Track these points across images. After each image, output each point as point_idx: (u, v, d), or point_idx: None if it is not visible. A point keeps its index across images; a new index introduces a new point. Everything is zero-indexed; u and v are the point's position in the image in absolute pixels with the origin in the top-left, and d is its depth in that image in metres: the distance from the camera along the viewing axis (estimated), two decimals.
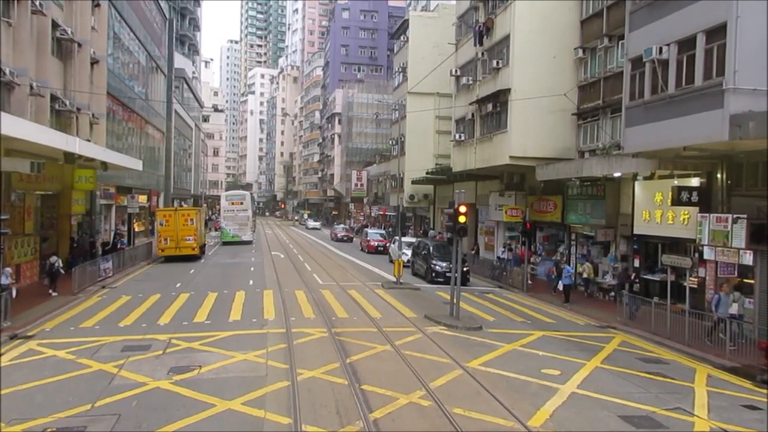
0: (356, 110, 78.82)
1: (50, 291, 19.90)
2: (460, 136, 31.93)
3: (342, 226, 62.75)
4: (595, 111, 24.61)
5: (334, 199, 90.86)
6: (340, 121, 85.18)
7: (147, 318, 16.62)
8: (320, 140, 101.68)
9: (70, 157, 20.57)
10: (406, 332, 15.44)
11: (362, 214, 71.31)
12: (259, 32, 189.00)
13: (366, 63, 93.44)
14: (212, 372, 11.57)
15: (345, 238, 52.66)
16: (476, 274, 29.28)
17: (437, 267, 26.10)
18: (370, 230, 44.23)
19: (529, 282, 25.24)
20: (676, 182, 19.20)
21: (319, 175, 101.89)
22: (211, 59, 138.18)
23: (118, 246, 28.67)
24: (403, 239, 26.85)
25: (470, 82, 30.64)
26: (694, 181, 18.64)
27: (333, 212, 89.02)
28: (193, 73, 75.35)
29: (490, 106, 27.52)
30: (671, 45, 15.77)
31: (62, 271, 21.19)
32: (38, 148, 18.13)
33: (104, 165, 25.44)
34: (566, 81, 25.90)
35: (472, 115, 30.18)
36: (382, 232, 43.73)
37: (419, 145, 46.82)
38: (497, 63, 27.11)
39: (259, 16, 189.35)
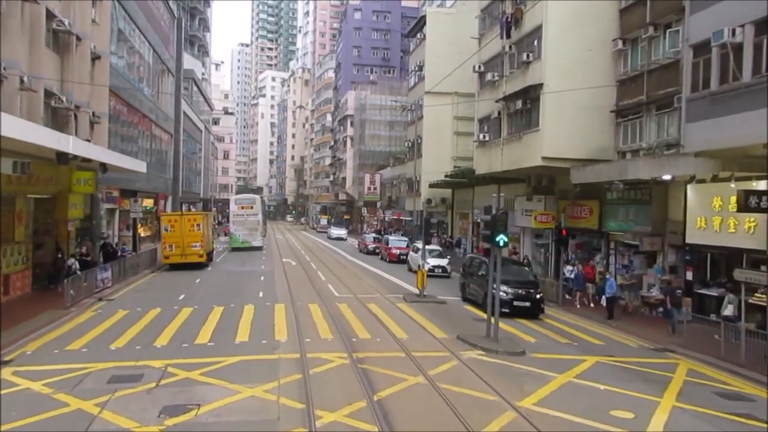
0: (369, 112, 76.92)
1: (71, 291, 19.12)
2: (484, 137, 29.79)
3: (373, 234, 50.97)
4: (638, 107, 22.42)
5: (346, 203, 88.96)
6: (352, 124, 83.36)
7: (143, 338, 14.67)
8: (332, 143, 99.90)
9: (63, 158, 18.66)
10: (438, 358, 13.35)
11: (376, 218, 69.24)
12: (269, 35, 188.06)
13: (378, 64, 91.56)
14: (212, 414, 9.56)
15: (378, 250, 42.15)
16: None
17: (501, 294, 18.15)
18: (391, 237, 41.85)
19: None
20: (732, 185, 17.04)
21: (331, 178, 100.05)
22: (222, 62, 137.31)
23: (119, 253, 26.79)
24: (427, 247, 24.52)
25: (496, 78, 28.53)
26: (762, 185, 16.41)
27: (345, 216, 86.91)
28: (203, 74, 73.88)
29: (519, 103, 25.41)
30: (746, 26, 13.62)
31: (78, 272, 20.45)
32: (25, 147, 16.27)
33: (103, 166, 23.67)
34: (603, 76, 23.73)
35: (498, 113, 28.06)
36: (405, 239, 41.39)
37: (436, 146, 44.82)
38: (527, 56, 25.01)
39: (270, 19, 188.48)
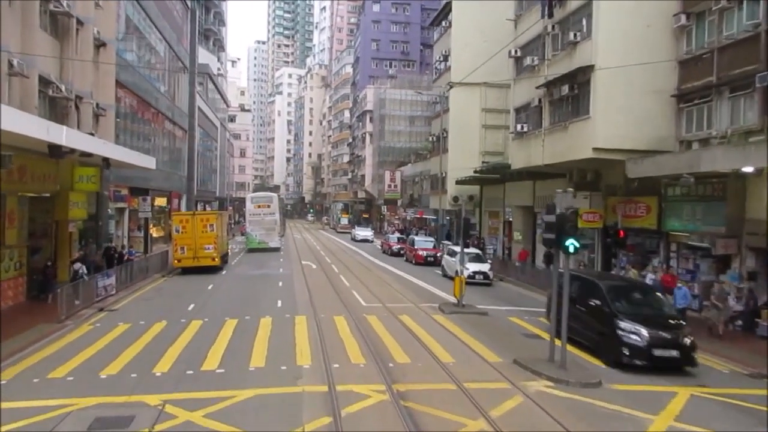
0: (389, 107, 74.43)
1: (75, 301, 17.62)
2: (521, 127, 27.20)
3: (397, 235, 47.22)
4: (706, 90, 19.66)
5: (365, 201, 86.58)
6: (371, 119, 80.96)
7: (141, 362, 12.39)
8: (350, 140, 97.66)
9: (55, 151, 16.47)
10: (498, 392, 10.87)
11: (397, 217, 66.72)
12: (286, 32, 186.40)
13: (398, 58, 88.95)
14: None
15: (403, 252, 39.32)
16: (540, 288, 24.53)
17: (632, 337, 12.80)
18: (417, 237, 39.20)
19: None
20: None
21: (349, 176, 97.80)
22: (238, 59, 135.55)
23: (126, 257, 24.67)
24: (465, 250, 21.69)
25: (536, 62, 25.92)
26: None
27: (363, 215, 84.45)
28: (219, 69, 72.00)
29: (564, 89, 22.74)
30: None
31: (86, 278, 18.91)
32: (11, 138, 14.10)
33: (106, 162, 21.57)
34: (662, 55, 21.00)
35: (539, 101, 25.44)
36: (432, 239, 38.87)
37: (463, 141, 42.15)
38: (574, 36, 22.36)
39: (287, 15, 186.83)
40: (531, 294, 24.41)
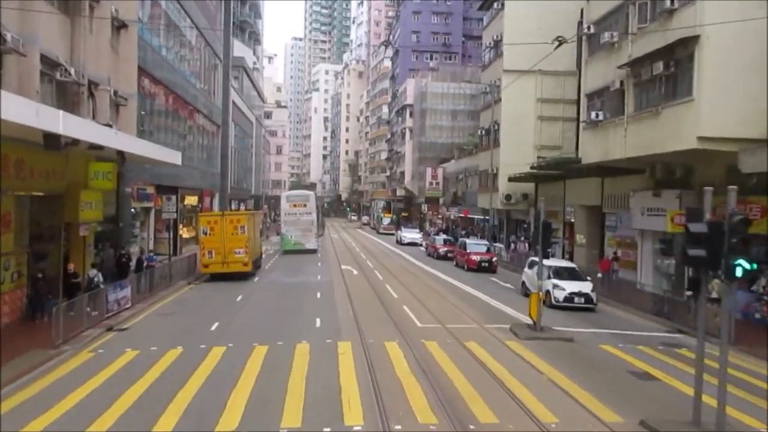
0: (430, 101, 70.87)
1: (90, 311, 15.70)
2: (596, 115, 23.43)
3: (443, 236, 42.89)
4: None
5: (404, 199, 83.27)
6: (411, 114, 77.56)
7: (140, 413, 9.39)
8: (388, 136, 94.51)
9: (52, 141, 13.71)
10: None
11: (440, 216, 63.19)
12: (323, 28, 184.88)
13: (439, 50, 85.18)
14: None
15: (451, 255, 35.58)
16: (624, 304, 20.84)
17: None
18: (468, 240, 35.45)
19: None
20: None
21: (387, 173, 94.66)
22: (275, 55, 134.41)
23: (145, 263, 21.96)
24: (545, 262, 17.35)
25: (615, 38, 22.15)
26: None
27: (403, 214, 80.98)
28: (254, 63, 69.73)
29: (658, 66, 18.92)
30: None
31: (101, 286, 16.76)
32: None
33: (121, 156, 18.92)
34: None
35: (621, 83, 21.67)
36: (485, 243, 35.14)
37: (517, 134, 38.45)
38: (671, 2, 18.57)
39: (324, 11, 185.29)
40: (614, 311, 20.52)
